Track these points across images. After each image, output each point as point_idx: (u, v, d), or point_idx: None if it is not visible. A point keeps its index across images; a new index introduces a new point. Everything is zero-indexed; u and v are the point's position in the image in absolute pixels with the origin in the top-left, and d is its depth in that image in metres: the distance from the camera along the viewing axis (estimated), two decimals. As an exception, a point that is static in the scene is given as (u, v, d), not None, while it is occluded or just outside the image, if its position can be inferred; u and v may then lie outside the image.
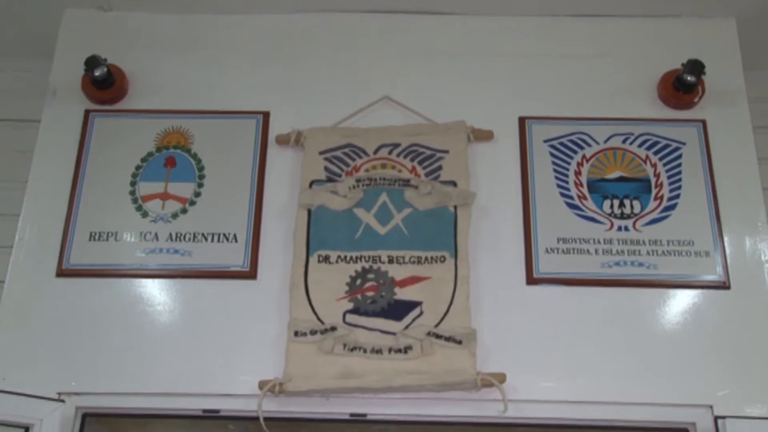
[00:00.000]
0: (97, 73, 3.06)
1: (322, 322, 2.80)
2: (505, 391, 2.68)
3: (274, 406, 2.75)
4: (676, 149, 3.07)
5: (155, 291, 2.89)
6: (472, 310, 2.81)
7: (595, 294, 2.86)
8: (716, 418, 2.60)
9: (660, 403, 2.71)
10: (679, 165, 3.04)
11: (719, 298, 2.83)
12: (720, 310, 2.81)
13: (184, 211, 2.99)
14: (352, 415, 2.81)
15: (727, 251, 2.88)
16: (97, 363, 2.77)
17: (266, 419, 2.71)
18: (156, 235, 2.95)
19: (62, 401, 2.64)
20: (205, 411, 2.80)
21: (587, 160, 3.06)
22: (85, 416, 2.75)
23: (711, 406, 2.66)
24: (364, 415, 2.80)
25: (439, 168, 3.04)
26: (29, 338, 2.79)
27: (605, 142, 3.09)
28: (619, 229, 2.93)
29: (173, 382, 2.78)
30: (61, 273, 2.88)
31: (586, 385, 2.75)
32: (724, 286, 2.84)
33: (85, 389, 2.74)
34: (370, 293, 2.85)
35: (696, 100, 3.12)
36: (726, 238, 2.90)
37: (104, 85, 3.12)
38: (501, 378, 2.70)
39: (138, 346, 2.80)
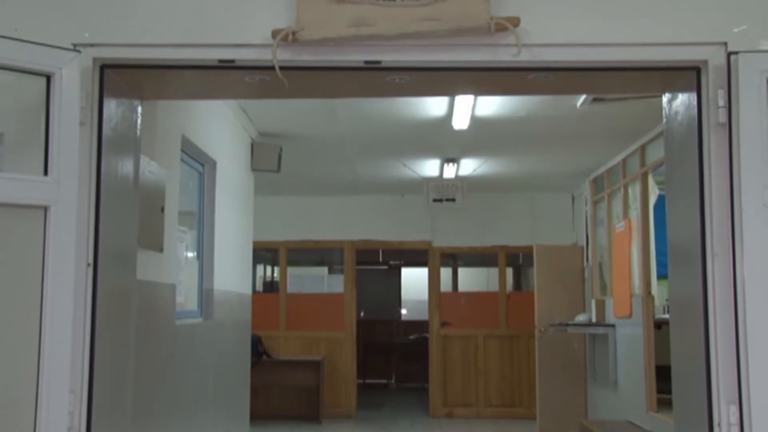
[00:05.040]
0: None
1: (332, -33, 2.71)
2: (518, 34, 2.65)
3: (288, 55, 2.76)
4: None
5: (157, -62, 2.76)
6: (487, -51, 2.69)
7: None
8: (729, 54, 2.59)
9: (672, 42, 2.70)
10: None
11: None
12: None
13: None
14: (366, 62, 2.83)
15: None
16: (109, 14, 2.74)
17: (281, 68, 2.74)
18: None
19: (78, 51, 2.65)
20: (220, 61, 2.83)
21: None
22: (103, 68, 2.79)
23: (725, 43, 2.64)
24: (379, 62, 2.82)
25: None
26: (35, -11, 2.74)
27: None
28: None
29: (187, 33, 2.77)
30: None
31: (600, 27, 2.72)
32: None
33: (100, 40, 2.74)
34: (382, -66, 2.71)
35: None
36: None
37: None
38: (515, 21, 2.66)
39: (147, -3, 2.75)
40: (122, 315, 3.02)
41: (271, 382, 9.60)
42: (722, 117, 2.60)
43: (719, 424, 2.57)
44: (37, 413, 2.48)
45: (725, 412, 2.56)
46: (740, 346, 2.53)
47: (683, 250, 2.93)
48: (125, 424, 3.04)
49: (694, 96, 2.76)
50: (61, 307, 2.54)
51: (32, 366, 2.49)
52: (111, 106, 2.86)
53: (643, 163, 7.07)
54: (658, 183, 6.91)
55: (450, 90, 3.98)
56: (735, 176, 2.54)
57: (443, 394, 10.20)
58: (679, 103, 2.92)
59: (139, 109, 3.20)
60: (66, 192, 2.55)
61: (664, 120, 3.14)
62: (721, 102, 2.60)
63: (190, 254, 5.08)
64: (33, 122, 2.61)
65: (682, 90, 2.87)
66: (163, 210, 4.04)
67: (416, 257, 12.57)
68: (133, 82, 3.03)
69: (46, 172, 2.53)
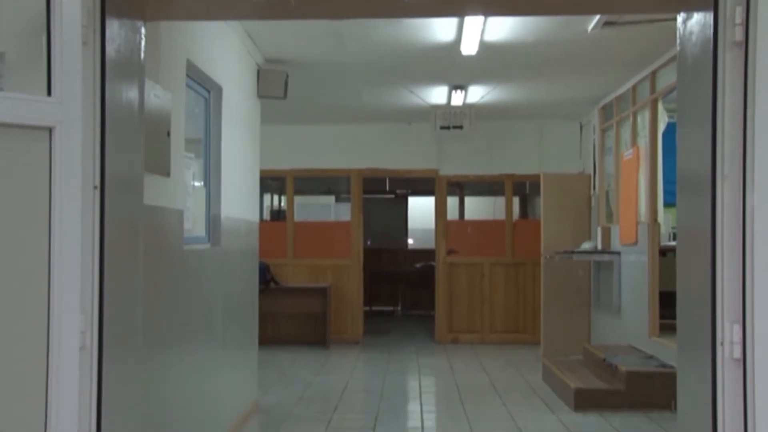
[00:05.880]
0: None
1: None
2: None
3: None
4: None
5: None
6: None
7: None
8: None
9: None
10: None
11: None
12: None
13: None
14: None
15: None
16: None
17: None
18: None
19: (79, -32, 2.59)
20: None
21: None
22: (104, -14, 2.73)
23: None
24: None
25: None
26: None
27: None
28: None
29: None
30: None
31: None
32: None
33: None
34: None
35: None
36: None
37: None
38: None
39: None
40: (130, 238, 3.03)
41: (279, 308, 9.73)
42: (739, 35, 2.53)
43: (722, 343, 2.60)
44: (49, 332, 2.51)
45: (728, 331, 2.58)
46: (746, 266, 2.53)
47: (693, 175, 2.90)
48: (136, 345, 3.08)
49: (710, 14, 2.68)
50: (70, 228, 2.54)
51: (43, 287, 2.51)
52: (113, 26, 2.81)
53: (653, 90, 6.98)
54: (667, 110, 6.83)
55: (459, 10, 3.89)
56: (749, 96, 2.50)
57: (449, 321, 10.33)
58: (694, 22, 2.85)
59: (143, 31, 3.14)
60: (70, 113, 2.52)
61: (678, 41, 3.07)
62: (738, 19, 2.53)
63: (197, 183, 5.07)
64: (35, 42, 2.56)
65: (698, 8, 2.80)
66: (169, 134, 4.02)
67: (423, 186, 12.55)
68: (135, 0, 2.97)
69: (49, 93, 2.50)
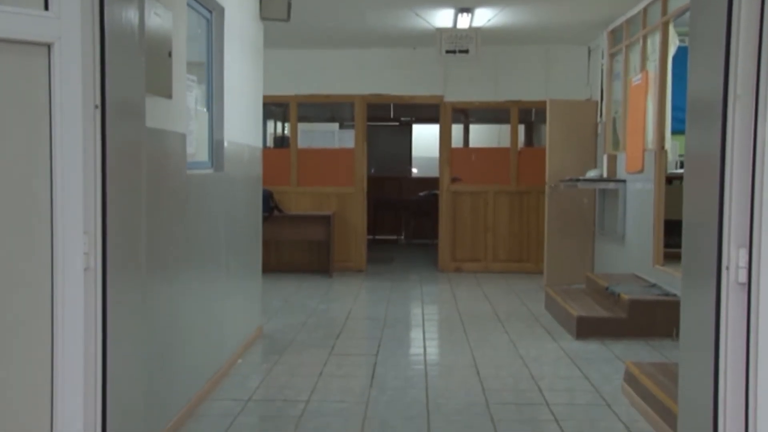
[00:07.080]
0: None
1: None
2: None
3: None
4: None
5: None
6: None
7: None
8: None
9: None
10: None
11: None
12: None
13: None
14: None
15: None
16: None
17: None
18: None
19: None
20: None
21: None
22: None
23: None
24: None
25: None
26: None
27: None
28: None
29: None
30: None
31: None
32: None
33: None
34: None
35: None
36: None
37: None
38: None
39: None
40: (132, 159, 3.00)
41: (282, 236, 9.77)
42: (757, -51, 2.45)
43: (727, 267, 2.58)
44: (53, 252, 2.50)
45: (734, 255, 2.56)
46: (755, 189, 2.50)
47: (704, 97, 2.84)
48: (140, 267, 3.08)
49: (728, -72, 2.58)
50: (71, 148, 2.51)
51: (46, 207, 2.49)
52: (111, -61, 2.72)
53: (665, 11, 6.82)
54: (679, 34, 6.70)
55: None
56: (766, 13, 2.42)
57: (452, 250, 10.37)
58: (710, -63, 2.75)
59: (141, -55, 3.04)
60: (69, 28, 2.46)
61: (694, -43, 2.97)
62: (757, -68, 2.44)
63: (200, 108, 5.01)
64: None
65: None
66: (170, 55, 3.94)
67: (428, 113, 12.44)
68: None
69: (46, 7, 2.43)
